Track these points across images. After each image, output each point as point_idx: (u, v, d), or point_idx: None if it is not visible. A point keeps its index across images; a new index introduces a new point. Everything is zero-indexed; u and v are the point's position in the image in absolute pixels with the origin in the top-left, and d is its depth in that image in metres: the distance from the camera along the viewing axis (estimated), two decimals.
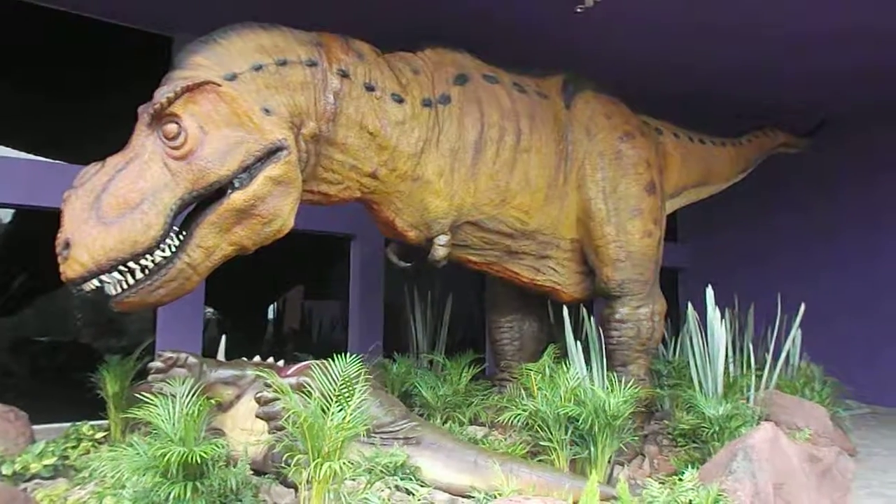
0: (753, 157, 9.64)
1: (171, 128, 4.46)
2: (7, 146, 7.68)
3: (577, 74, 7.29)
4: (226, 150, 4.56)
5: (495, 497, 4.52)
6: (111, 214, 4.31)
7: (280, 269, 10.04)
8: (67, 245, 4.30)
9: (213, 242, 4.65)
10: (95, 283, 4.36)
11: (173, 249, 4.54)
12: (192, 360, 5.03)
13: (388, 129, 5.59)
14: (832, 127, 11.02)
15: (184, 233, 4.56)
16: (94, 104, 8.03)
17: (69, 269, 4.30)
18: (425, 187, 5.89)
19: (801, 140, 10.73)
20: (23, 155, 7.74)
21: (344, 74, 5.37)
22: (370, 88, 5.51)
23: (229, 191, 4.64)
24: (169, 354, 5.01)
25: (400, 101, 5.68)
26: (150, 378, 4.99)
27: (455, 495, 4.75)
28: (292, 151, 4.83)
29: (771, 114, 10.62)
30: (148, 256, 4.40)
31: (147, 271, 4.47)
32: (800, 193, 12.52)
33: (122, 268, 4.34)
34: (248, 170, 4.65)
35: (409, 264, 6.57)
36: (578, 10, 7.34)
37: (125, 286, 4.43)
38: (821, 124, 10.89)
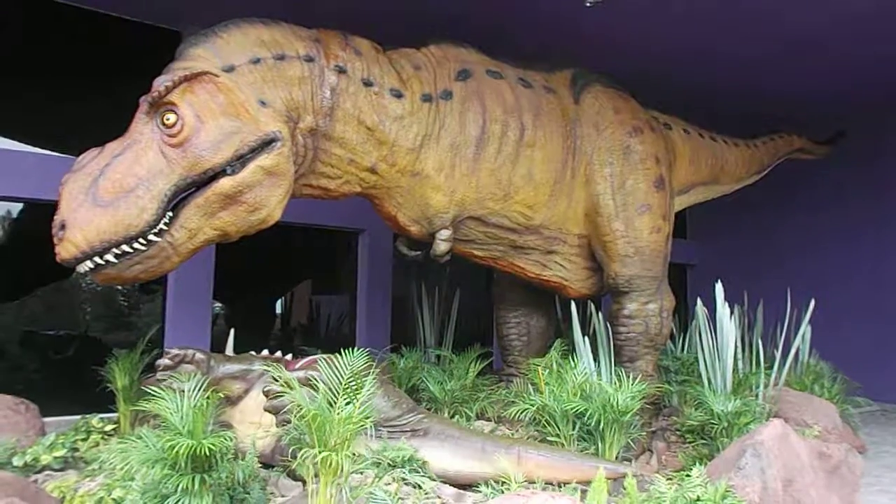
0: (767, 159, 9.55)
1: (169, 116, 4.54)
2: (17, 140, 7.72)
3: (586, 69, 7.25)
4: (221, 139, 4.61)
5: (503, 486, 4.53)
6: (106, 198, 4.40)
7: (288, 263, 10.08)
8: (63, 226, 4.40)
9: (196, 225, 4.70)
10: (89, 264, 4.43)
11: None
12: (199, 356, 5.05)
13: (387, 124, 5.61)
14: (844, 124, 10.95)
15: (170, 213, 4.60)
16: (102, 98, 8.06)
17: (63, 249, 4.40)
18: (425, 182, 5.89)
19: (818, 147, 10.64)
20: (32, 149, 7.78)
21: (341, 70, 5.39)
22: (368, 84, 5.53)
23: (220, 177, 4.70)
24: (176, 351, 5.02)
25: (399, 96, 5.69)
26: (157, 376, 5.01)
27: (464, 484, 4.76)
28: (286, 144, 4.87)
29: (784, 109, 10.58)
30: (141, 240, 4.47)
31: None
32: (810, 193, 12.45)
33: (115, 250, 4.42)
34: (242, 159, 4.70)
35: (418, 253, 6.57)
36: (588, 4, 7.31)
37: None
38: (840, 134, 10.82)
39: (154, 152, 4.55)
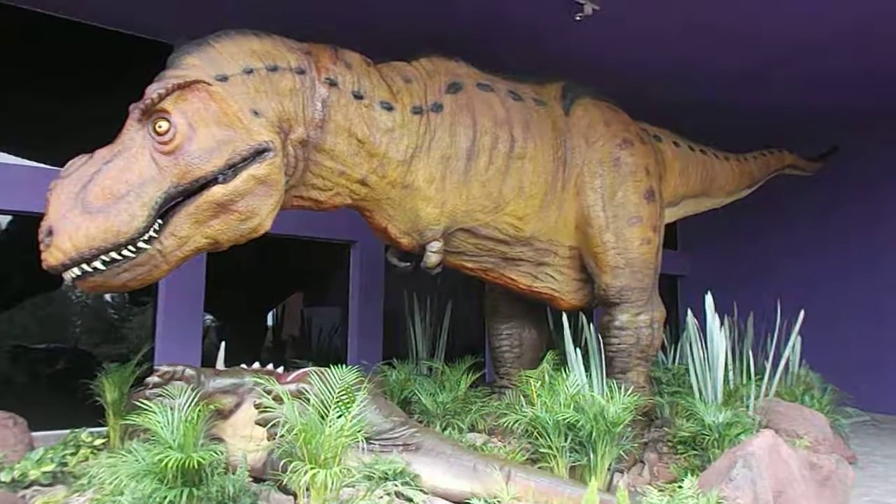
0: (758, 174, 9.64)
1: (161, 123, 4.54)
2: (7, 153, 7.70)
3: (576, 82, 7.31)
4: (213, 147, 4.62)
5: (495, 499, 4.52)
6: (96, 204, 4.37)
7: (280, 275, 10.06)
8: (50, 232, 4.36)
9: (187, 233, 4.69)
10: (76, 271, 4.39)
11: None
12: (189, 372, 5.01)
13: (377, 137, 5.64)
14: (833, 134, 11.07)
15: (160, 221, 4.59)
16: (95, 111, 8.05)
17: (50, 256, 4.36)
18: (416, 194, 5.92)
19: (810, 164, 10.75)
20: (22, 161, 7.76)
21: (332, 83, 5.43)
22: (359, 97, 5.56)
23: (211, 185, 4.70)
24: (165, 369, 4.98)
25: (389, 108, 5.72)
26: (147, 394, 4.97)
27: (454, 502, 4.74)
28: (278, 154, 4.89)
29: (772, 122, 10.67)
30: (130, 247, 4.44)
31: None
32: (800, 201, 12.54)
33: (103, 257, 4.38)
34: (234, 168, 4.71)
35: (409, 264, 6.58)
36: (578, 17, 7.39)
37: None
38: (832, 150, 10.94)
39: (145, 159, 4.54)
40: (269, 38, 5.30)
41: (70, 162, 4.65)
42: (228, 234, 4.88)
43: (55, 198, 4.44)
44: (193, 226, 4.71)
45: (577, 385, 5.75)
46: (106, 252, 4.38)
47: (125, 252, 4.45)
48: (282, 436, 4.07)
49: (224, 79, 4.87)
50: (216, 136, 4.65)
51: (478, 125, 6.17)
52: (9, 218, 7.85)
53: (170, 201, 4.61)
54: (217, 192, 4.68)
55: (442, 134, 6.00)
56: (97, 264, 4.40)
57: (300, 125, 5.25)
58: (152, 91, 4.59)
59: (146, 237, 4.50)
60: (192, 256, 4.90)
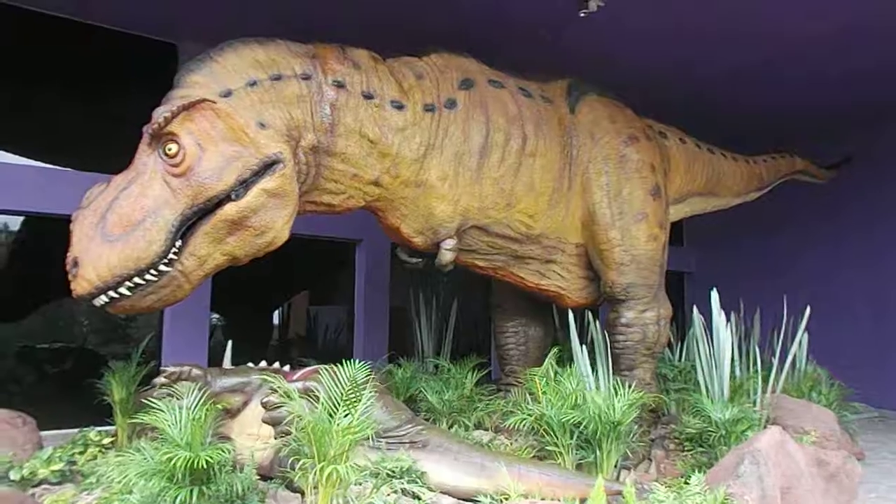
0: (767, 177, 9.60)
1: (170, 146, 4.57)
2: (14, 153, 7.73)
3: (581, 79, 7.30)
4: (223, 165, 4.63)
5: (501, 501, 4.52)
6: (115, 232, 4.44)
7: (286, 274, 10.08)
8: (76, 263, 4.45)
9: (205, 252, 4.72)
10: (104, 298, 4.47)
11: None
12: (195, 372, 5.03)
13: (389, 136, 5.60)
14: (837, 131, 11.01)
15: (179, 242, 4.62)
16: (100, 111, 8.08)
17: (78, 286, 4.45)
18: (429, 192, 5.89)
19: (821, 171, 10.74)
20: (30, 162, 7.79)
21: (340, 85, 5.39)
22: (368, 97, 5.52)
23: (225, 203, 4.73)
24: (172, 369, 5.00)
25: (400, 107, 5.69)
26: (155, 395, 5.00)
27: (462, 499, 4.74)
28: (288, 164, 4.88)
29: (775, 120, 10.63)
30: (152, 271, 4.51)
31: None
32: (805, 198, 12.49)
33: (128, 283, 4.46)
34: (245, 183, 4.72)
35: (419, 260, 6.56)
36: (582, 14, 7.36)
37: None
38: (846, 160, 10.92)
39: (159, 183, 4.58)
40: (272, 45, 5.25)
41: (89, 191, 4.72)
42: (245, 250, 4.90)
43: (77, 228, 4.53)
44: (211, 244, 4.73)
45: (582, 383, 5.74)
46: (129, 278, 4.45)
47: (147, 276, 4.51)
48: (290, 433, 4.09)
49: (228, 94, 4.85)
50: (225, 154, 4.65)
51: (491, 122, 6.14)
52: (19, 220, 7.89)
53: (186, 222, 4.63)
54: (230, 209, 4.69)
55: (455, 131, 5.96)
56: (122, 290, 4.48)
57: (310, 131, 5.21)
58: (158, 115, 4.61)
59: (166, 260, 4.54)
60: (213, 273, 4.92)
